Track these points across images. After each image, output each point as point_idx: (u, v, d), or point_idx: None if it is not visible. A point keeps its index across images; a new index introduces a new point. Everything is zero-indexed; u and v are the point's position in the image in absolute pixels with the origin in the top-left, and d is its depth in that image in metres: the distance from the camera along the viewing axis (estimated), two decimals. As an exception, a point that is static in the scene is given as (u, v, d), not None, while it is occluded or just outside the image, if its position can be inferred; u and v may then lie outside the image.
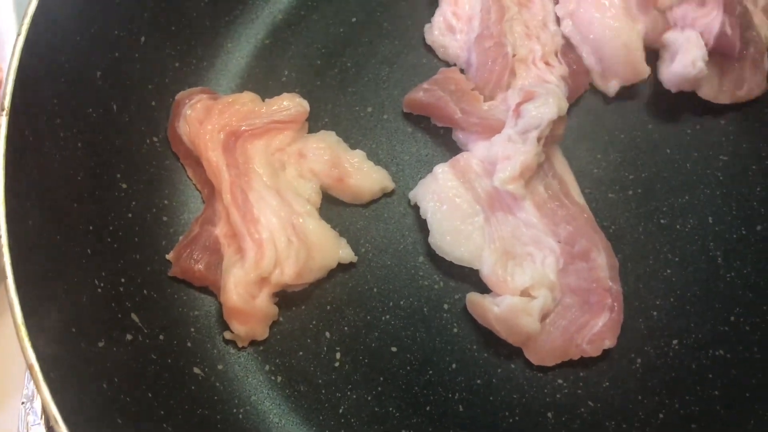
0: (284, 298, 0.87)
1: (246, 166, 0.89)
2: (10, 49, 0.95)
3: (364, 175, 0.91)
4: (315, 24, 1.01)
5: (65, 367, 0.71)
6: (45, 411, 0.81)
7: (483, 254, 0.87)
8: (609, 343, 0.85)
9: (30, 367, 0.66)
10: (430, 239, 0.88)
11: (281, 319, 0.88)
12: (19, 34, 0.78)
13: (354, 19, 1.02)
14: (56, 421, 0.65)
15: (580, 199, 0.91)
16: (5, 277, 0.69)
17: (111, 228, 0.85)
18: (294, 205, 0.87)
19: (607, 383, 0.87)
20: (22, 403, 0.85)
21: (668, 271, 0.91)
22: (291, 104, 0.93)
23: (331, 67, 0.99)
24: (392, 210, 0.94)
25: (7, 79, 0.75)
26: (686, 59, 0.92)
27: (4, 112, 0.74)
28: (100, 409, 0.72)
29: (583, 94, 0.98)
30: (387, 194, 0.94)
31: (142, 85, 0.92)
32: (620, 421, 0.85)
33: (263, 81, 0.98)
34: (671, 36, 0.95)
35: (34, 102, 0.78)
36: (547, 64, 0.96)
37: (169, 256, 0.87)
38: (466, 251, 0.88)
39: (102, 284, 0.81)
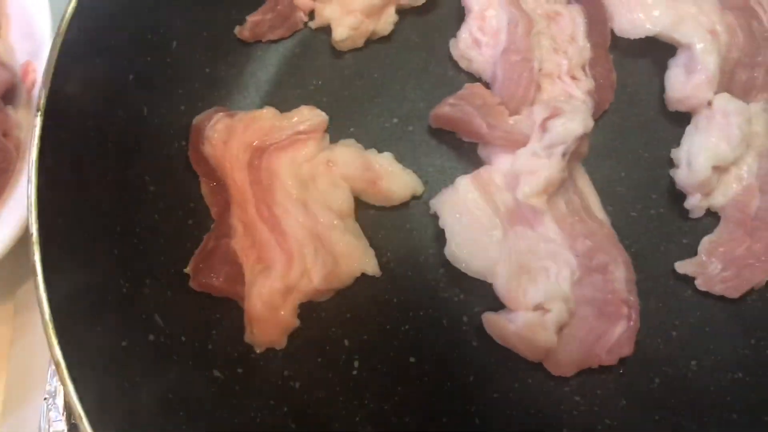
0: (304, 304, 0.88)
1: (270, 181, 0.90)
2: (46, 49, 0.99)
3: (396, 177, 0.92)
4: (344, 34, 1.03)
5: (89, 365, 0.72)
6: (68, 407, 0.83)
7: (497, 268, 0.87)
8: (626, 351, 0.85)
9: (56, 364, 0.68)
10: (446, 249, 0.89)
11: (301, 325, 0.88)
12: (56, 35, 0.79)
13: (382, 31, 1.03)
14: (81, 419, 0.66)
15: (600, 214, 0.91)
16: (35, 274, 0.70)
17: (137, 229, 0.86)
18: (320, 217, 0.88)
19: (624, 402, 0.86)
20: (45, 399, 0.86)
21: (689, 291, 0.91)
22: (310, 114, 0.94)
23: (359, 78, 1.01)
24: (414, 221, 0.94)
25: (44, 80, 0.77)
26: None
27: (39, 113, 0.76)
28: (123, 408, 0.73)
29: (608, 109, 0.98)
30: (409, 204, 0.95)
31: (172, 89, 0.94)
32: (637, 440, 0.85)
33: (291, 89, 1.00)
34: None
35: (67, 102, 0.80)
36: (573, 78, 0.96)
37: (187, 270, 0.88)
38: (481, 264, 0.88)
39: (127, 284, 0.82)
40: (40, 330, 0.97)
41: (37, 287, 0.70)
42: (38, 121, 0.75)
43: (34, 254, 0.71)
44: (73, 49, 0.81)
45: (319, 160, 0.92)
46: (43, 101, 0.76)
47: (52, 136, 0.77)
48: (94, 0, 0.83)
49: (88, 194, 0.81)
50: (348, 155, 0.92)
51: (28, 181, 0.73)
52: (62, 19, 0.80)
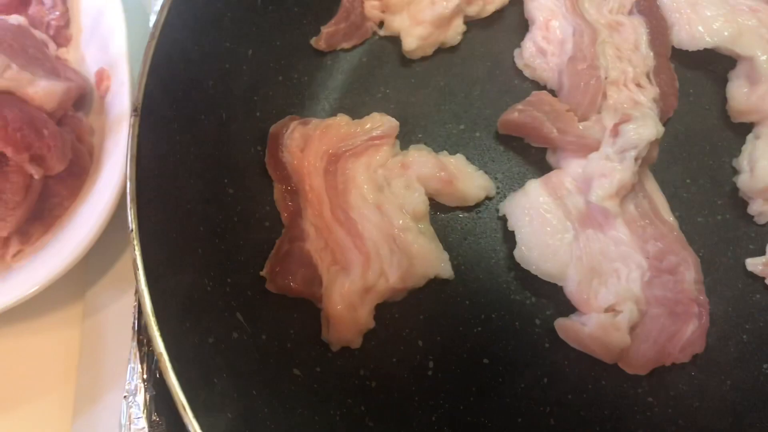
0: (380, 305, 0.89)
1: (346, 185, 0.92)
2: (122, 58, 1.02)
3: (470, 177, 0.94)
4: (410, 44, 1.05)
5: (183, 359, 0.73)
6: (149, 405, 0.84)
7: (568, 271, 0.89)
8: (698, 348, 0.86)
9: (159, 356, 0.69)
10: (516, 252, 0.90)
11: (376, 326, 0.89)
12: (149, 41, 0.82)
13: (447, 41, 1.05)
14: (183, 408, 0.67)
15: (669, 217, 0.93)
16: (135, 269, 0.72)
17: (219, 230, 0.88)
18: (394, 220, 0.90)
19: (697, 403, 0.87)
20: (125, 397, 0.87)
21: (758, 295, 0.92)
22: (383, 120, 0.96)
23: (425, 86, 1.03)
24: (484, 225, 0.96)
25: (139, 84, 0.79)
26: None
27: (135, 114, 0.78)
28: (215, 401, 0.74)
29: (672, 117, 0.99)
30: (478, 209, 0.97)
31: (248, 95, 0.96)
32: (710, 442, 0.86)
33: (360, 97, 1.02)
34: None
35: (154, 107, 0.82)
36: (638, 85, 0.98)
37: (263, 273, 0.89)
38: (552, 266, 0.89)
39: (211, 283, 0.84)
40: (111, 331, 1.00)
41: (138, 281, 0.71)
42: (135, 122, 0.78)
43: (135, 249, 0.72)
44: (162, 55, 0.83)
45: (394, 164, 0.94)
46: (139, 104, 0.78)
47: (146, 136, 0.79)
48: (180, 9, 0.86)
49: (175, 195, 0.83)
50: (422, 157, 0.94)
51: (128, 179, 0.75)
52: (155, 27, 0.83)
